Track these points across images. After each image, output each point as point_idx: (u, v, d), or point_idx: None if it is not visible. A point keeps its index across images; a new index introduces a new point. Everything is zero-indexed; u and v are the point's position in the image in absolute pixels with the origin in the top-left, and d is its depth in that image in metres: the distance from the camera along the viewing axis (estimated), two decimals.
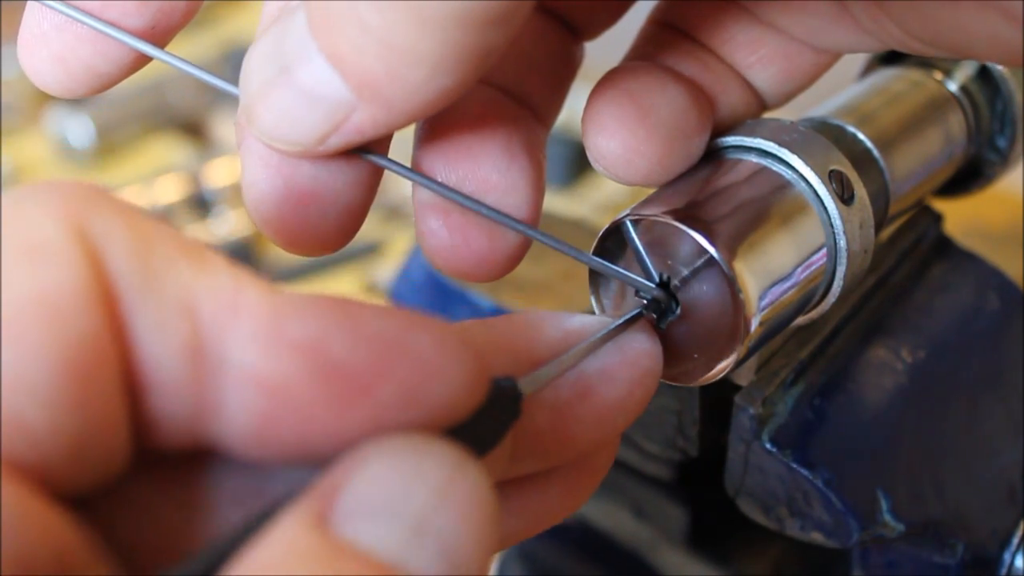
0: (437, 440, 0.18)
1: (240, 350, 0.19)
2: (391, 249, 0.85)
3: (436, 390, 0.19)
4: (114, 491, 0.19)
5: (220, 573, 0.17)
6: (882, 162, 0.33)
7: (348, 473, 0.18)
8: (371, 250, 0.85)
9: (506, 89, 0.29)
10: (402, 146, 0.28)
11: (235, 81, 0.25)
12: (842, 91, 0.36)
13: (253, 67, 0.24)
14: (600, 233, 0.28)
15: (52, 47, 0.26)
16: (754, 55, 0.30)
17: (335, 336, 0.19)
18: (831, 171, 0.29)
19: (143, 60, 0.27)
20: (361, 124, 0.23)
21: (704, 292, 0.27)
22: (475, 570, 0.18)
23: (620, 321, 0.26)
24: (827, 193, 0.28)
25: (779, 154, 0.29)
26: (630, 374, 0.25)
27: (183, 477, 0.20)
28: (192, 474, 0.20)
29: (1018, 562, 0.34)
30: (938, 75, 0.37)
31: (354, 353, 0.19)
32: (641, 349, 0.26)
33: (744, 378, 0.33)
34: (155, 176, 0.88)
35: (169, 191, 0.87)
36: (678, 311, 0.27)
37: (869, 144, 0.33)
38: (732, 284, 0.26)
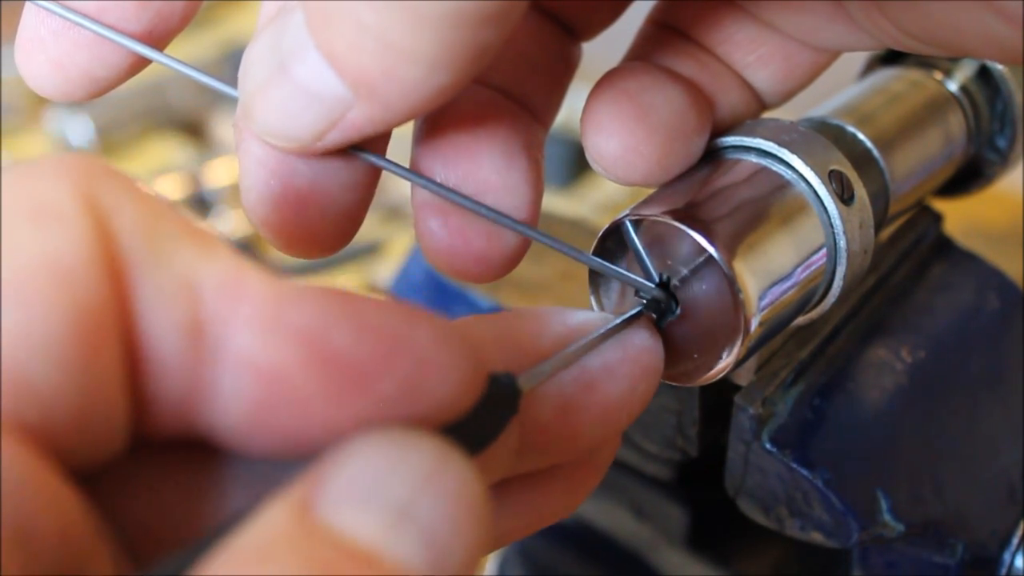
0: (424, 433, 0.18)
1: (239, 334, 0.18)
2: (391, 249, 0.85)
3: (435, 386, 0.19)
4: (114, 472, 0.19)
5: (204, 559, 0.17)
6: (882, 162, 0.33)
7: (334, 462, 0.18)
8: (371, 250, 0.85)
9: (504, 90, 0.29)
10: (401, 146, 0.28)
11: (235, 82, 0.25)
12: (842, 91, 0.36)
13: (251, 64, 0.24)
14: (600, 233, 0.28)
15: (50, 52, 0.27)
16: (752, 54, 0.30)
17: (337, 327, 0.18)
18: (831, 171, 0.29)
19: (140, 64, 0.27)
20: (358, 121, 0.23)
21: (704, 292, 0.27)
22: (460, 561, 0.18)
23: (622, 319, 0.26)
24: (827, 193, 0.28)
25: (779, 154, 0.29)
26: (632, 370, 0.25)
27: (184, 464, 0.20)
28: (194, 461, 0.20)
29: (1018, 562, 0.34)
30: (938, 75, 0.37)
31: (355, 345, 0.18)
32: (643, 346, 0.26)
33: (744, 378, 0.33)
34: (155, 176, 0.88)
35: (169, 191, 0.87)
36: (678, 311, 0.27)
37: (869, 144, 0.33)
38: (732, 284, 0.26)
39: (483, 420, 0.21)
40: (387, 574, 0.17)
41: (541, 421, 0.24)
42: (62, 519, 0.17)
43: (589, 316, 0.26)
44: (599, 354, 0.25)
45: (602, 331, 0.25)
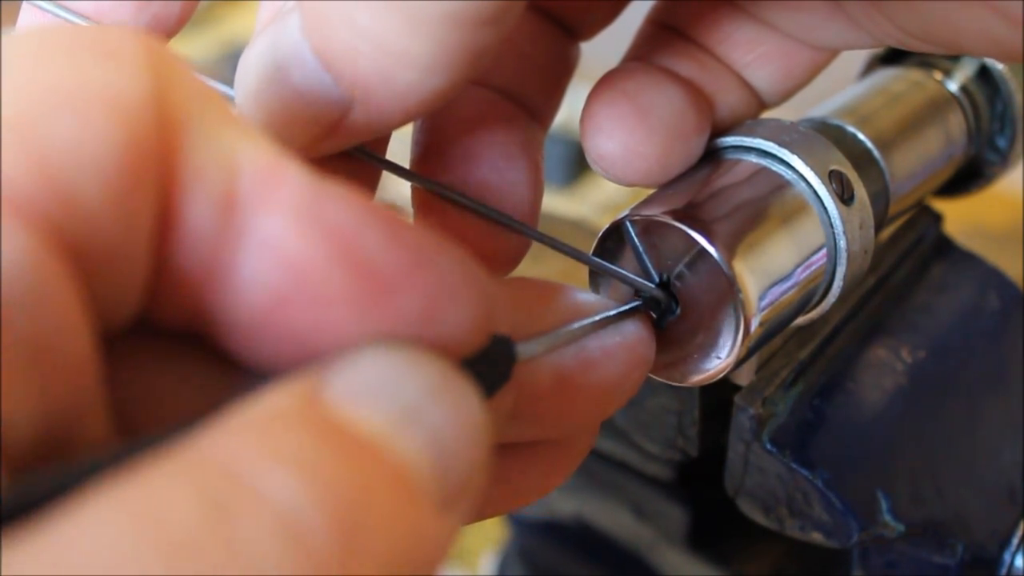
0: (434, 352, 0.18)
1: (270, 219, 0.18)
2: None
3: (452, 315, 0.19)
4: (114, 348, 0.18)
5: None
6: (882, 162, 0.33)
7: (343, 359, 0.17)
8: None
9: (503, 90, 0.29)
10: (401, 146, 0.28)
11: (233, 82, 0.25)
12: (842, 91, 0.36)
13: (248, 68, 0.24)
14: (600, 233, 0.28)
15: None
16: (751, 54, 0.30)
17: (370, 230, 0.18)
18: (831, 171, 0.29)
19: None
20: (355, 125, 0.23)
21: (704, 292, 0.27)
22: (461, 475, 0.17)
23: (623, 308, 0.26)
24: (827, 193, 0.28)
25: (779, 154, 0.29)
26: (629, 356, 0.25)
27: (182, 362, 0.19)
28: (191, 362, 0.19)
29: (1018, 562, 0.34)
30: (938, 75, 0.37)
31: (385, 252, 0.18)
32: (638, 335, 0.26)
33: (744, 378, 0.33)
34: None
35: None
36: (678, 311, 0.27)
37: (869, 144, 0.33)
38: (732, 284, 0.26)
39: (478, 376, 0.20)
40: (390, 467, 0.16)
41: (538, 390, 0.24)
42: (80, 354, 0.16)
43: (593, 298, 0.26)
44: (597, 337, 0.25)
45: (604, 316, 0.25)
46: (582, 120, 0.28)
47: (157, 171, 0.17)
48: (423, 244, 0.19)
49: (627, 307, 0.26)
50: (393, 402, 0.17)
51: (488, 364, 0.21)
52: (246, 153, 0.18)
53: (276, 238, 0.18)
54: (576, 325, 0.25)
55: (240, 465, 0.15)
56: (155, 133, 0.17)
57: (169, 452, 0.15)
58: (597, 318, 0.25)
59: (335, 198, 0.18)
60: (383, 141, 0.27)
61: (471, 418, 0.18)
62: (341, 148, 0.24)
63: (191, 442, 0.15)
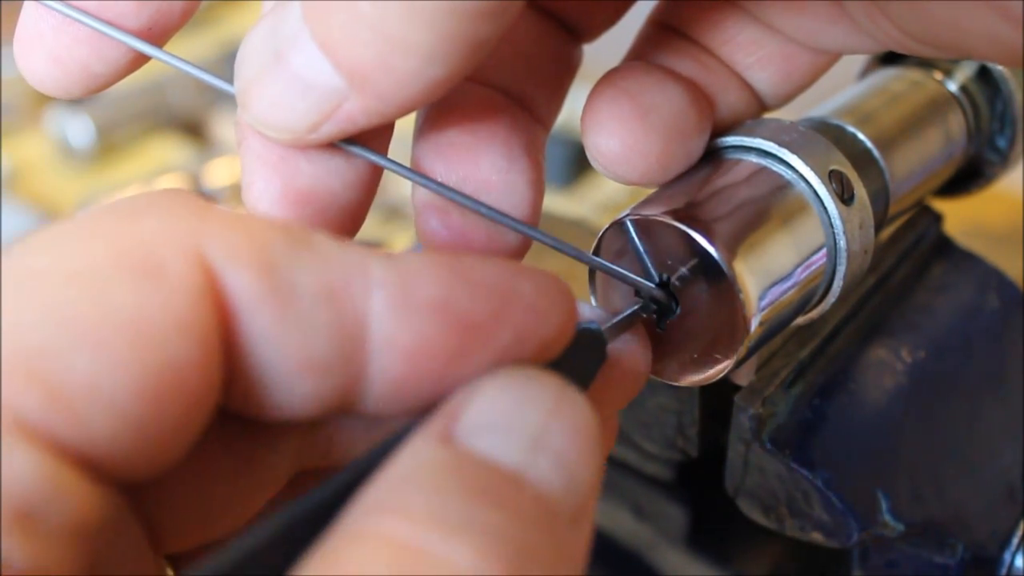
0: (542, 370, 0.20)
1: (379, 320, 0.20)
2: (391, 249, 0.85)
3: (541, 332, 0.21)
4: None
5: (357, 490, 0.18)
6: (882, 162, 0.33)
7: (467, 398, 0.19)
8: None
9: (505, 90, 0.29)
10: (402, 146, 0.28)
11: (233, 79, 0.25)
12: (842, 91, 0.36)
13: (248, 53, 0.24)
14: (600, 233, 0.28)
15: (49, 47, 0.26)
16: (753, 56, 0.30)
17: (457, 290, 0.20)
18: (831, 171, 0.29)
19: (140, 61, 0.27)
20: (352, 113, 0.23)
21: (704, 292, 0.27)
22: (588, 486, 0.19)
23: (626, 313, 0.26)
24: (827, 193, 0.28)
25: (779, 154, 0.29)
26: (643, 353, 0.27)
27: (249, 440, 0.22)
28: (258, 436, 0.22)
29: (1018, 562, 0.34)
30: (938, 75, 0.37)
31: (475, 304, 0.20)
32: (640, 341, 0.27)
33: (744, 378, 0.33)
34: (155, 176, 0.88)
35: None
36: (678, 311, 0.27)
37: (869, 144, 0.33)
38: (732, 284, 0.26)
39: (576, 365, 0.23)
40: (531, 496, 0.18)
41: None
42: (78, 511, 0.17)
43: (595, 312, 0.27)
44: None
45: (614, 322, 0.26)
46: (583, 117, 0.28)
47: (211, 375, 0.19)
48: (502, 279, 0.21)
49: (631, 311, 0.27)
50: (520, 433, 0.19)
51: (581, 351, 0.23)
52: (330, 274, 0.20)
53: (388, 333, 0.20)
54: (611, 323, 0.26)
55: (418, 540, 0.17)
56: (202, 345, 0.19)
57: (350, 526, 0.17)
58: (615, 321, 0.26)
59: (419, 273, 0.20)
60: (385, 139, 0.27)
61: (586, 426, 0.20)
62: (339, 136, 0.24)
63: (364, 508, 0.17)
